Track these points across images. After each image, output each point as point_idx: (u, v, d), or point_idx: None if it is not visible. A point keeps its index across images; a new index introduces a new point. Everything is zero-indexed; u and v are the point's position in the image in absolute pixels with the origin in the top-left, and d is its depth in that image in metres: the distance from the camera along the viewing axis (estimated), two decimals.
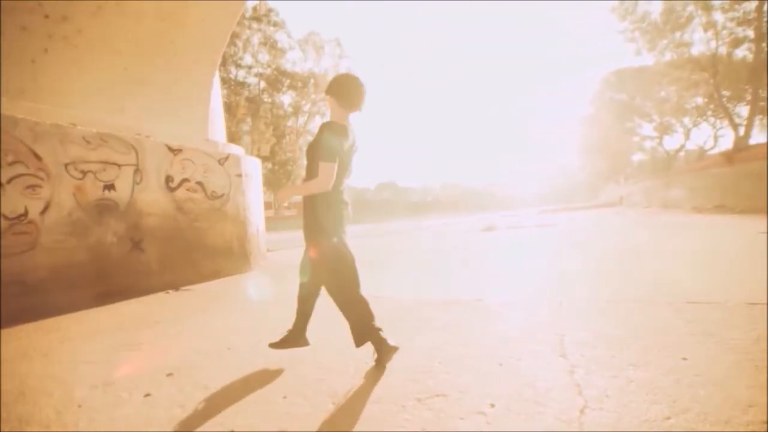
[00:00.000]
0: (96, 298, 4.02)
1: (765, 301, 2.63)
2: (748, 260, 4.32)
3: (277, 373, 1.96)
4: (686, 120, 32.14)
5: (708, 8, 20.13)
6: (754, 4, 18.82)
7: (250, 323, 2.97)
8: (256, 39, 28.27)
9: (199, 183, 5.24)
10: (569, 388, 1.61)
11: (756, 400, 1.42)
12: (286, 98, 31.62)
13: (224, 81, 26.25)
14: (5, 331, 3.10)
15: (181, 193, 5.03)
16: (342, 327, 2.67)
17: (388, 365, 1.95)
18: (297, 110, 31.48)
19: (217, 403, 1.68)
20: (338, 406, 1.60)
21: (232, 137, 25.17)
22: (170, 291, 4.55)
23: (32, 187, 3.64)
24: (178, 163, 5.02)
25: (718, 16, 20.25)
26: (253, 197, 6.23)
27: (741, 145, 18.26)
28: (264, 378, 1.91)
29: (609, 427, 1.32)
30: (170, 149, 4.95)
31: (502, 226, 13.96)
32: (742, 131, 19.81)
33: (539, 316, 2.67)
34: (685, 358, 1.82)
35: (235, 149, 6.22)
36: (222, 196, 5.57)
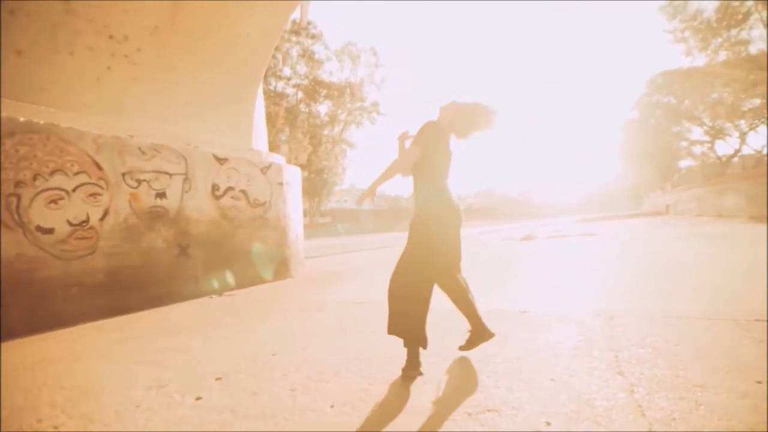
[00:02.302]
0: (147, 301, 4.22)
1: None
2: None
3: (323, 381, 1.97)
4: (742, 123, 30.14)
5: None
6: None
7: (293, 329, 3.01)
8: (294, 51, 29.20)
9: (242, 191, 5.41)
10: (631, 408, 1.52)
11: None
12: (323, 108, 32.38)
13: (264, 92, 27.22)
14: (67, 331, 3.31)
15: (225, 200, 5.22)
16: (377, 337, 2.67)
17: (430, 377, 1.92)
18: (333, 119, 32.17)
19: (266, 409, 1.70)
20: (385, 416, 1.58)
21: (271, 146, 25.96)
22: (214, 296, 4.71)
23: (93, 195, 3.89)
24: (224, 171, 5.21)
25: None
26: (293, 205, 6.37)
27: None
28: (310, 386, 1.92)
29: None
30: (217, 159, 5.15)
31: (542, 235, 13.54)
32: None
33: (590, 330, 2.54)
34: (759, 382, 1.67)
35: (277, 158, 6.40)
36: (264, 203, 5.73)
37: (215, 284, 4.93)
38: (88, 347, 2.80)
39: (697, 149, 38.42)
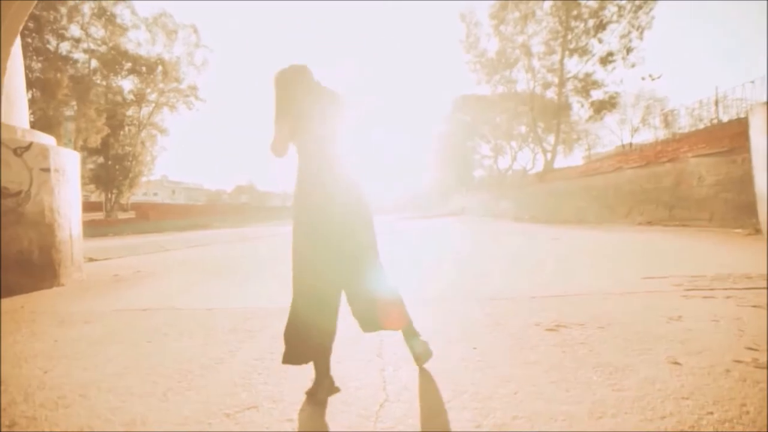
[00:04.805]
0: None
1: (541, 295, 3.31)
2: (539, 261, 5.36)
3: (61, 407, 1.66)
4: (513, 144, 38.43)
5: (529, 54, 24.51)
6: (558, 57, 23.63)
7: (39, 348, 2.46)
8: (87, 8, 23.96)
9: None
10: (376, 385, 1.75)
11: (514, 376, 1.77)
12: (127, 84, 27.48)
13: (38, 51, 21.54)
14: None
15: None
16: (152, 346, 2.42)
17: (201, 382, 1.84)
18: (140, 99, 27.59)
19: None
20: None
21: (50, 122, 20.77)
22: None
23: None
24: None
25: (536, 62, 24.85)
26: (67, 196, 5.22)
27: (548, 168, 22.63)
28: (39, 416, 1.59)
29: (401, 416, 1.48)
30: None
31: None
32: (549, 156, 24.57)
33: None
34: (475, 347, 2.16)
35: (42, 138, 5.15)
36: (18, 194, 4.53)
37: None
38: None
39: (486, 162, 47.39)
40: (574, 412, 1.46)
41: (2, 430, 1.43)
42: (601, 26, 21.73)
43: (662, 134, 16.86)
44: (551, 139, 27.77)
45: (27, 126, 5.38)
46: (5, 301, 4.02)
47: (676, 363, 1.82)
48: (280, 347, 2.26)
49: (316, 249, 1.70)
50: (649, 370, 1.78)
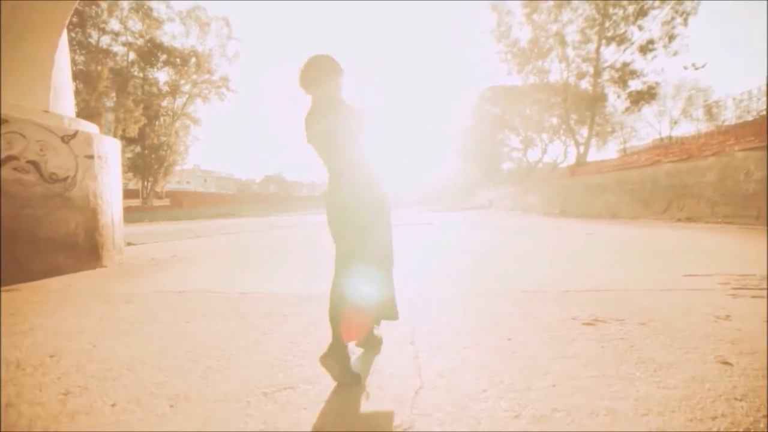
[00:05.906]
0: None
1: (575, 289, 3.21)
2: (573, 256, 5.21)
3: (109, 379, 1.75)
4: (544, 136, 37.39)
5: (563, 43, 23.67)
6: (594, 46, 22.72)
7: (86, 325, 2.59)
8: (125, 3, 24.75)
9: (32, 162, 4.40)
10: (411, 371, 1.75)
11: (551, 369, 1.72)
12: (162, 75, 28.31)
13: (81, 45, 22.45)
14: None
15: (5, 173, 4.17)
16: (190, 327, 2.51)
17: (238, 362, 1.89)
18: (175, 90, 28.37)
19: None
20: (177, 408, 1.49)
21: (91, 112, 21.69)
22: None
23: None
24: (1, 136, 4.14)
25: (570, 52, 23.98)
26: (109, 183, 5.45)
27: (580, 161, 21.90)
28: (90, 386, 1.68)
29: (437, 403, 1.47)
30: None
31: None
32: (582, 149, 23.76)
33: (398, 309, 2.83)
34: (509, 339, 2.12)
35: (87, 126, 5.38)
36: (66, 179, 4.76)
37: None
38: None
39: (515, 154, 46.34)
40: (617, 407, 1.41)
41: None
42: (641, 12, 20.72)
43: (705, 126, 15.97)
44: (584, 131, 26.85)
45: (73, 115, 5.63)
46: (55, 280, 4.26)
47: (727, 363, 1.73)
48: (315, 332, 2.31)
49: (336, 249, 1.85)
50: (697, 368, 1.70)
